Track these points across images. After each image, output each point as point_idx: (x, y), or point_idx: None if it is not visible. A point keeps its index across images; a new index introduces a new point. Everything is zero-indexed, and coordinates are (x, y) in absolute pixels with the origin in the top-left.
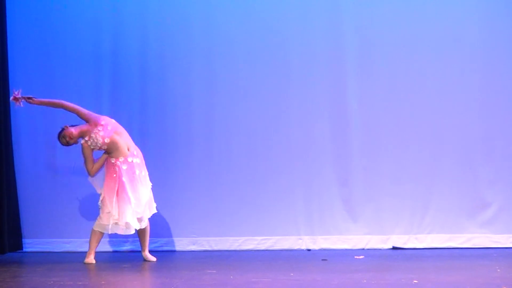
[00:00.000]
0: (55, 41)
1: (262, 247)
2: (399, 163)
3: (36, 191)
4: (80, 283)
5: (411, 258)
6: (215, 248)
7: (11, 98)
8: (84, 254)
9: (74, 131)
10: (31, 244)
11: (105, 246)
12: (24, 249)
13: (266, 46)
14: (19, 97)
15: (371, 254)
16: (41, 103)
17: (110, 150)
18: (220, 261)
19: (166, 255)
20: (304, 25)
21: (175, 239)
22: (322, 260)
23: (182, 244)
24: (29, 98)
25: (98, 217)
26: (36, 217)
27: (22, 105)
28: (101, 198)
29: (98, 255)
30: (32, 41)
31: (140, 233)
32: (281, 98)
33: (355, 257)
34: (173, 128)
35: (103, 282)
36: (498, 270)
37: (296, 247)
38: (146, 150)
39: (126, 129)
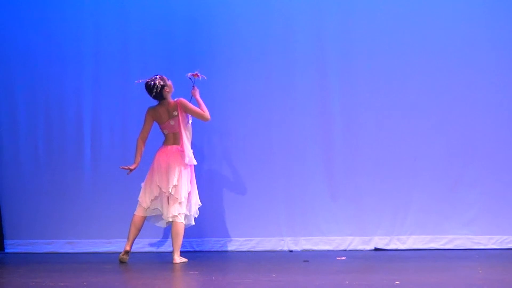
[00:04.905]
0: (38, 40)
1: (244, 248)
2: (381, 164)
3: (18, 192)
4: (61, 284)
5: (393, 259)
6: (197, 249)
7: (190, 74)
8: (66, 255)
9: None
10: (12, 245)
11: (86, 247)
12: (6, 250)
13: (249, 47)
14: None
15: (353, 255)
16: (198, 102)
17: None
18: (202, 262)
19: (148, 256)
20: (288, 26)
21: (158, 240)
22: (304, 261)
23: (164, 245)
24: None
25: (184, 211)
26: (17, 218)
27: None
28: (189, 190)
29: (78, 256)
30: (15, 39)
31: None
32: (263, 100)
33: (337, 258)
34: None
35: (84, 283)
36: (480, 271)
37: (278, 248)
38: (128, 150)
39: (107, 128)
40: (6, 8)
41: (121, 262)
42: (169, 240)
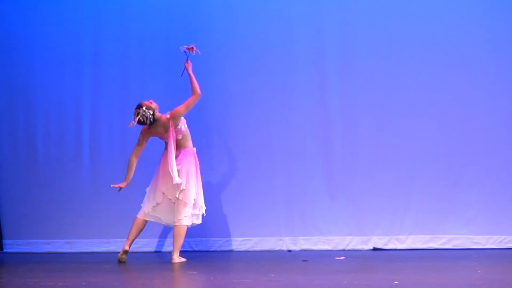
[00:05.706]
0: (37, 40)
1: (243, 248)
2: (380, 164)
3: (17, 192)
4: (60, 284)
5: (392, 259)
6: (196, 248)
7: (185, 47)
8: (65, 255)
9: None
10: (11, 245)
11: (85, 247)
12: (5, 250)
13: (248, 47)
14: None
15: (352, 255)
16: (190, 76)
17: (186, 137)
18: (201, 262)
19: (146, 256)
20: (288, 25)
21: (156, 240)
22: (303, 261)
23: (163, 245)
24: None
25: (189, 214)
26: (16, 218)
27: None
28: (196, 191)
29: (77, 256)
30: (14, 39)
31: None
32: (263, 99)
33: (336, 258)
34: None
35: (83, 283)
36: (479, 271)
37: (277, 248)
38: (127, 150)
39: (106, 128)
40: (5, 7)
41: (120, 261)
42: (168, 240)
